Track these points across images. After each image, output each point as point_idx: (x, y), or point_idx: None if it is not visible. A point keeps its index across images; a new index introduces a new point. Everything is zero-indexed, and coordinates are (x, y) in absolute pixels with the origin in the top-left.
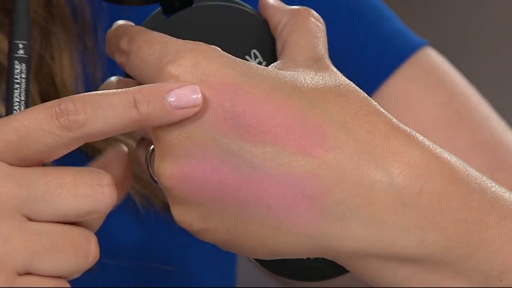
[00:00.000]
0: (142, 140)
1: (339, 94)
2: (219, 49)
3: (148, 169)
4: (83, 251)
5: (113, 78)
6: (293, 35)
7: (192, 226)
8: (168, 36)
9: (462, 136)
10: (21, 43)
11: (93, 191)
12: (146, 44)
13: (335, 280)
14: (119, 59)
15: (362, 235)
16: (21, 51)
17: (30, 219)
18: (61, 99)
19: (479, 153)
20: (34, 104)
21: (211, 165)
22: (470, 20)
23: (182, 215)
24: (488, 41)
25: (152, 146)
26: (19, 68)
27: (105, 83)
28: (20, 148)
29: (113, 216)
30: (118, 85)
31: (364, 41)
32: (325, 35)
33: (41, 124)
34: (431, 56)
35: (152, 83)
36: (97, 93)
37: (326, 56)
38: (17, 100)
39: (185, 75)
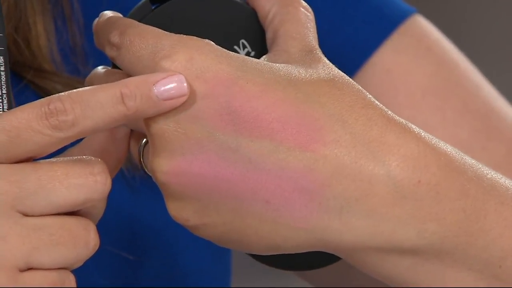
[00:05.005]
0: (132, 132)
1: (334, 88)
2: (213, 43)
3: (141, 162)
4: (82, 241)
5: (100, 68)
6: (283, 25)
7: (188, 221)
8: (161, 30)
9: (452, 105)
10: None
11: (86, 180)
12: (139, 38)
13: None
14: (110, 52)
15: (362, 228)
16: None
17: (26, 215)
18: (49, 97)
19: (469, 122)
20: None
21: (208, 160)
22: None
23: (178, 211)
24: (479, 10)
25: (144, 139)
26: None
27: (92, 73)
28: (11, 148)
29: None
30: (105, 76)
31: (353, 10)
32: (315, 26)
33: (31, 125)
34: (420, 24)
35: None
36: (84, 91)
37: (317, 47)
38: None
39: (180, 70)
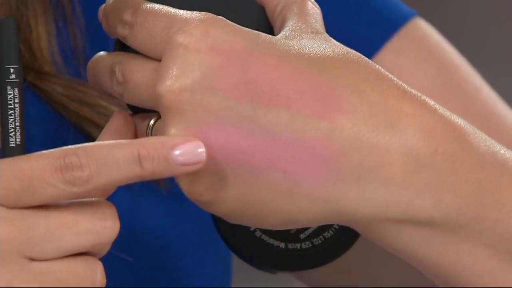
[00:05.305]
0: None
1: (348, 61)
2: (226, 19)
3: None
4: (89, 283)
5: (103, 53)
6: (292, 13)
7: (202, 196)
8: (174, 8)
9: (453, 108)
10: (12, 68)
11: (95, 226)
12: (152, 15)
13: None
14: (122, 31)
15: (379, 198)
16: (13, 76)
17: (33, 259)
18: (65, 149)
19: None
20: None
21: (224, 131)
22: None
23: (191, 186)
24: (479, 12)
25: (152, 121)
26: (12, 94)
27: (94, 57)
28: (22, 196)
29: None
30: (109, 57)
31: (354, 12)
32: (322, 19)
33: (45, 177)
34: (421, 27)
35: (159, 54)
36: (101, 146)
37: (326, 33)
38: (12, 126)
39: (195, 43)
